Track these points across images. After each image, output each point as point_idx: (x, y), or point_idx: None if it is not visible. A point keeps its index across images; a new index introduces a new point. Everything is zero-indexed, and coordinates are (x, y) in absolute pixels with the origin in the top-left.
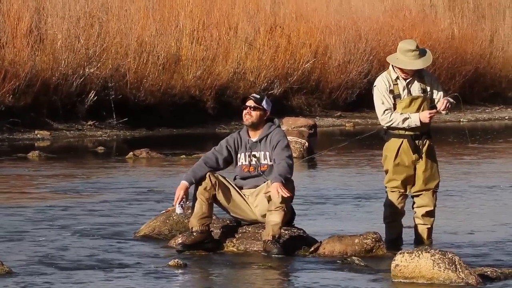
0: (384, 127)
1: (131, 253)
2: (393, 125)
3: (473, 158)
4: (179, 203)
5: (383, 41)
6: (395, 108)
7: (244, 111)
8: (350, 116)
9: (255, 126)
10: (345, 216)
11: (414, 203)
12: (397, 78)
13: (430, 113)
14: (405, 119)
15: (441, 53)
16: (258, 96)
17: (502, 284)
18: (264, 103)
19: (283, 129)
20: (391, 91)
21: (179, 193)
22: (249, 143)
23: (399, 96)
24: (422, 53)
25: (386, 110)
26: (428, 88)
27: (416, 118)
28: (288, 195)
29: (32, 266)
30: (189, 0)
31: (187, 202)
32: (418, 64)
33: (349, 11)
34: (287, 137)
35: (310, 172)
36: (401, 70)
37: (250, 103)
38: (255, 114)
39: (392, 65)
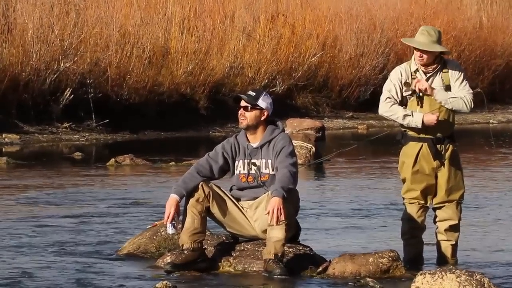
0: (401, 130)
1: (113, 274)
2: (391, 118)
3: (502, 165)
4: (170, 222)
5: (401, 31)
6: (403, 105)
7: (238, 113)
8: (363, 117)
9: (251, 128)
10: (357, 231)
11: (436, 216)
12: (417, 70)
13: (437, 116)
14: (405, 115)
15: (468, 44)
16: (252, 94)
17: None
18: (260, 101)
19: (287, 132)
20: (407, 84)
21: (170, 210)
22: (249, 149)
23: (415, 91)
24: (435, 41)
25: (388, 98)
26: (452, 84)
27: (418, 118)
28: (284, 220)
29: None
30: None
31: (180, 219)
32: (417, 44)
33: None
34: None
35: (318, 181)
36: (415, 57)
37: (242, 103)
38: (249, 115)
39: (414, 57)
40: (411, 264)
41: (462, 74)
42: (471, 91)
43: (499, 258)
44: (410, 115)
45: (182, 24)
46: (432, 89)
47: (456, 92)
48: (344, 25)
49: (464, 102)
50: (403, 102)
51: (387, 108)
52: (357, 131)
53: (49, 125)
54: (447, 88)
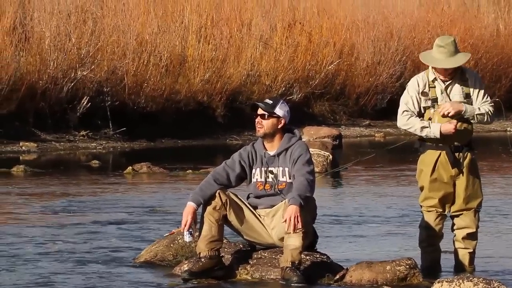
0: (418, 137)
1: (130, 282)
2: (409, 130)
3: None
4: (187, 230)
5: (418, 39)
6: (421, 115)
7: (255, 121)
8: (380, 125)
9: (268, 136)
10: (375, 239)
11: (453, 224)
12: (435, 79)
13: (455, 126)
14: (423, 127)
15: (485, 52)
16: (269, 102)
17: None
18: (277, 109)
19: (304, 140)
20: (424, 93)
21: (187, 218)
22: (266, 157)
23: (436, 100)
24: (454, 51)
25: (406, 111)
26: (471, 93)
27: (436, 129)
28: (301, 228)
29: None
30: None
31: (196, 227)
32: (442, 63)
33: (378, 5)
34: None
35: (335, 189)
36: (437, 70)
37: (259, 111)
38: (266, 123)
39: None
40: (429, 272)
41: (483, 86)
42: (492, 104)
43: None
44: (427, 127)
45: (199, 32)
46: (460, 108)
47: (480, 106)
48: (361, 33)
49: (489, 116)
50: (421, 113)
51: (405, 121)
52: (374, 139)
53: (66, 133)
54: (467, 96)
